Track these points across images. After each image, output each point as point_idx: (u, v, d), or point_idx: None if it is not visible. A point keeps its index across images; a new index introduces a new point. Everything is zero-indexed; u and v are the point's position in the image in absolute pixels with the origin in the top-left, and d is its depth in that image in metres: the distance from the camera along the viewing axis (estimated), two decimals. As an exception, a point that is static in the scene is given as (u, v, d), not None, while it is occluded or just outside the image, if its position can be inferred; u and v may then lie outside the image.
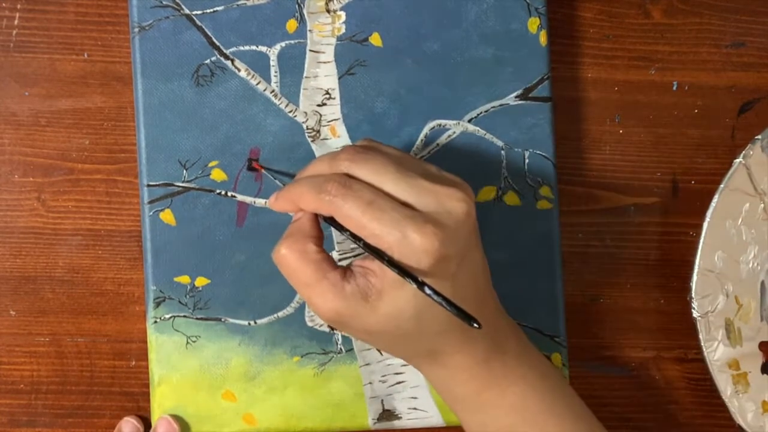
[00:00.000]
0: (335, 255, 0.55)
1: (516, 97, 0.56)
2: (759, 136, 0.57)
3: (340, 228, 0.45)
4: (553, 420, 0.49)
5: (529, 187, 0.56)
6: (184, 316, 0.54)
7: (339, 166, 0.45)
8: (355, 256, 0.55)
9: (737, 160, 0.57)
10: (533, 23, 0.56)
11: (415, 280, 0.43)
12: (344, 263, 0.54)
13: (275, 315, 0.55)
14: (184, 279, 0.54)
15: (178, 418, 0.54)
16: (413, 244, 0.43)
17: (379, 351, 0.55)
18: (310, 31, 0.54)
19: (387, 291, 0.44)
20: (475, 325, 0.42)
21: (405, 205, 0.44)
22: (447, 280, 0.45)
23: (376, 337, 0.47)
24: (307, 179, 0.46)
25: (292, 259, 0.45)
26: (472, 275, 0.47)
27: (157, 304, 0.54)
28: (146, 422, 0.56)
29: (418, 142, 0.55)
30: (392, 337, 0.46)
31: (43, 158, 0.56)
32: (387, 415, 0.55)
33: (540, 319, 0.56)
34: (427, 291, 0.43)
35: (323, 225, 0.47)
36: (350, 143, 0.55)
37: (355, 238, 0.44)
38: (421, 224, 0.43)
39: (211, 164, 0.54)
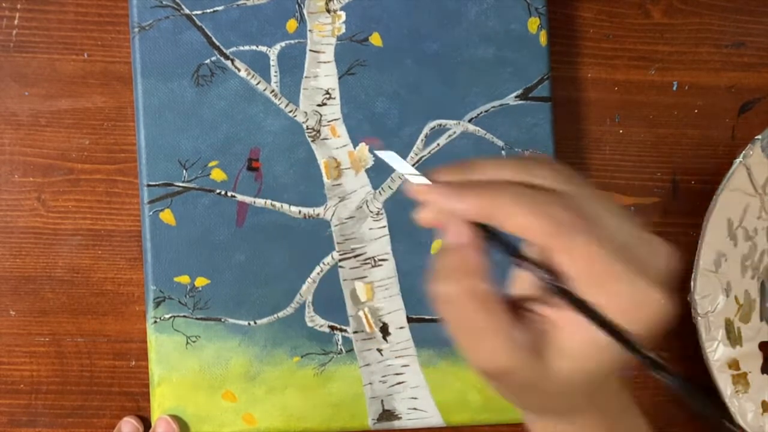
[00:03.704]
0: (335, 255, 0.55)
1: (516, 97, 0.56)
2: (759, 136, 0.57)
3: (517, 257, 0.36)
4: None
5: (529, 187, 0.56)
6: (184, 316, 0.54)
7: (539, 176, 0.35)
8: (355, 256, 0.55)
9: (737, 160, 0.57)
10: (533, 23, 0.56)
11: (660, 366, 0.34)
12: (344, 263, 0.54)
13: (275, 315, 0.55)
14: (184, 279, 0.54)
15: (177, 419, 0.54)
16: (649, 304, 0.34)
17: (379, 351, 0.55)
18: (310, 30, 0.54)
19: (569, 352, 0.35)
20: (731, 425, 0.35)
21: None
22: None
23: (526, 395, 0.38)
24: (516, 189, 0.35)
25: (459, 299, 0.35)
26: None
27: (157, 304, 0.54)
28: (146, 423, 0.56)
29: (419, 142, 0.55)
30: (546, 396, 0.37)
31: (43, 158, 0.56)
32: (387, 415, 0.55)
33: (540, 319, 0.56)
34: (674, 383, 0.33)
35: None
36: (350, 143, 0.55)
37: (548, 278, 0.35)
38: (650, 283, 0.34)
39: (211, 164, 0.54)
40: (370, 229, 0.55)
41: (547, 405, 0.39)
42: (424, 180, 0.35)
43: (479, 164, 0.36)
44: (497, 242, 0.36)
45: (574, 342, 0.35)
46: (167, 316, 0.54)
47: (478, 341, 0.35)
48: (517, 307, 0.36)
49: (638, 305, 0.34)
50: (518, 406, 0.40)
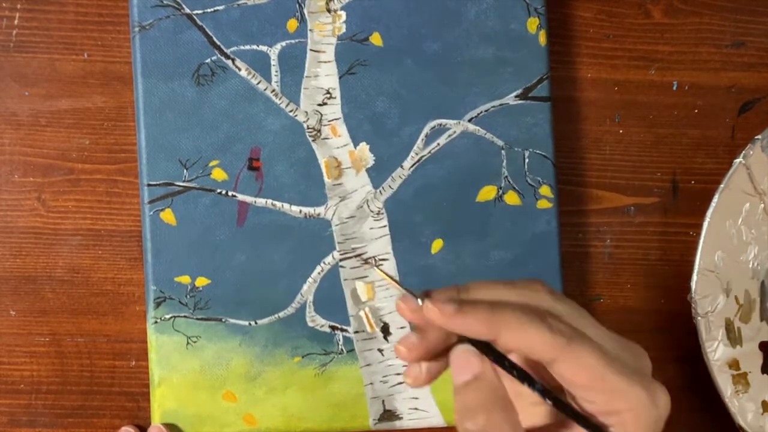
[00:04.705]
0: (336, 255, 0.55)
1: (516, 96, 0.56)
2: (759, 136, 0.57)
3: (515, 371, 0.37)
4: None
5: (529, 186, 0.56)
6: (185, 317, 0.54)
7: (531, 297, 0.37)
8: (357, 256, 0.55)
9: (737, 160, 0.57)
10: (533, 23, 0.56)
11: None
12: (345, 263, 0.54)
13: (276, 315, 0.54)
14: (185, 279, 0.54)
15: (171, 426, 0.54)
16: (659, 405, 0.37)
17: (380, 351, 0.55)
18: (310, 30, 0.54)
19: None
20: None
21: None
22: None
23: None
24: (516, 307, 0.36)
25: None
26: None
27: (158, 304, 0.54)
28: (143, 431, 0.56)
29: (419, 141, 0.55)
30: None
31: (43, 158, 0.56)
32: (388, 415, 0.55)
33: (540, 318, 0.56)
34: None
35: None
36: (351, 143, 0.55)
37: (549, 396, 0.36)
38: (654, 382, 0.37)
39: (211, 164, 0.54)
40: (371, 228, 0.55)
41: None
42: (424, 302, 0.36)
43: (473, 286, 0.37)
44: (497, 361, 0.36)
45: None
46: (168, 317, 0.54)
47: None
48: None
49: (652, 404, 0.36)
50: None
